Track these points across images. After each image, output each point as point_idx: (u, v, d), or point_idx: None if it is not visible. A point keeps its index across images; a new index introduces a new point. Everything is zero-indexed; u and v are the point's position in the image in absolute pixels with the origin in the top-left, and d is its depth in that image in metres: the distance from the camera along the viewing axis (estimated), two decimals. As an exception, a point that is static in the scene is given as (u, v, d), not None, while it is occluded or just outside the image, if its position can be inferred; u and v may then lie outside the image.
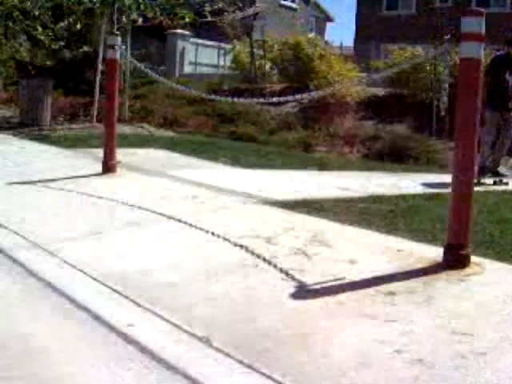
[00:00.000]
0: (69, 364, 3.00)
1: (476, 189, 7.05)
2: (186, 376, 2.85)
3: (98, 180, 7.54)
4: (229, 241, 4.89)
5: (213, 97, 7.31)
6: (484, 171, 9.39)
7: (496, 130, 9.56)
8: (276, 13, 36.04)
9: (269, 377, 2.83)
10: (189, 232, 5.19)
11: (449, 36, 4.79)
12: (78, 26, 15.25)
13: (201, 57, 28.63)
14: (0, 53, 18.20)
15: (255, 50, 22.33)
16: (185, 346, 3.17)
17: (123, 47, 7.95)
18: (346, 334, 3.31)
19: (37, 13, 16.38)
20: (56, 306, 3.72)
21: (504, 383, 2.75)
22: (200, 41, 28.58)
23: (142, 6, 14.73)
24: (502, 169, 9.98)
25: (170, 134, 13.77)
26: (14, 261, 4.50)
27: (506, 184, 9.29)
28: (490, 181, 9.35)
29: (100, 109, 13.74)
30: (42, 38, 17.54)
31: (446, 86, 4.95)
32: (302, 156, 11.78)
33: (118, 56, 7.70)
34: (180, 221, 5.54)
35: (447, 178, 5.09)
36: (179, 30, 25.48)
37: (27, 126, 13.25)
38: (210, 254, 4.64)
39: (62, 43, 18.11)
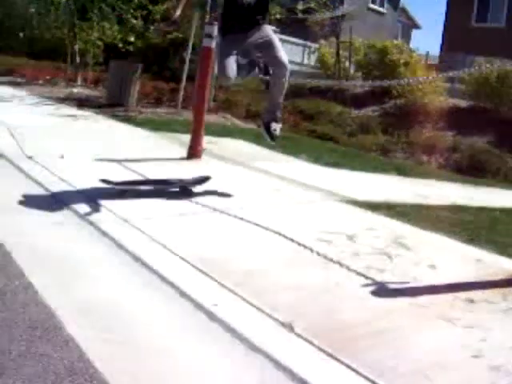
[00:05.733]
0: (161, 336, 3.17)
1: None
2: (270, 357, 2.96)
3: (183, 164, 7.70)
4: (311, 235, 4.98)
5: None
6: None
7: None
8: (364, 16, 35.87)
9: (349, 367, 2.92)
10: (271, 223, 5.27)
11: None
12: (178, 13, 15.29)
13: (286, 54, 28.64)
14: (90, 33, 18.63)
15: (341, 52, 22.32)
16: (268, 329, 3.28)
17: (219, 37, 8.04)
18: (424, 334, 3.37)
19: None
20: (145, 281, 3.89)
21: None
22: (286, 38, 28.65)
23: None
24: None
25: (252, 126, 13.84)
26: (104, 234, 4.70)
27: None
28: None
29: (185, 95, 13.93)
30: (134, 21, 17.92)
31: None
32: (381, 160, 11.76)
33: (213, 45, 7.83)
34: (263, 211, 5.65)
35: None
36: (267, 26, 25.59)
37: (114, 106, 13.49)
38: (293, 245, 4.73)
39: (153, 27, 18.43)
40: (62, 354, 2.84)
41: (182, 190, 6.19)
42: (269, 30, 6.34)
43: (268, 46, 6.17)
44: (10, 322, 3.13)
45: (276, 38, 6.31)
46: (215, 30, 7.81)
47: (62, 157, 7.21)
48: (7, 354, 2.82)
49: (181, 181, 6.26)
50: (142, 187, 6.21)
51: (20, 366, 2.72)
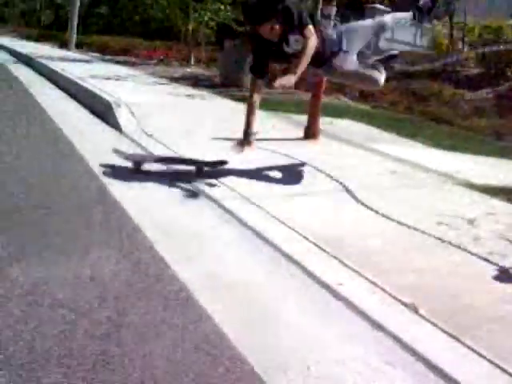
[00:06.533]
0: (287, 312, 3.27)
1: None
2: (395, 337, 3.02)
3: (302, 144, 7.80)
4: (430, 218, 4.98)
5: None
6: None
7: None
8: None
9: (473, 350, 2.92)
10: (388, 205, 5.31)
11: None
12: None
13: (397, 34, 28.32)
14: (203, 15, 18.88)
15: (454, 32, 21.90)
16: (391, 310, 3.32)
17: (337, 18, 8.03)
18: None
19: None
20: (269, 258, 4.00)
21: None
22: (398, 18, 28.26)
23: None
24: None
25: (364, 107, 13.82)
26: (227, 211, 4.83)
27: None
28: None
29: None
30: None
31: None
32: (497, 144, 11.51)
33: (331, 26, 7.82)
34: (380, 193, 5.68)
35: None
36: (378, 5, 25.30)
37: (228, 86, 13.66)
38: (413, 228, 4.74)
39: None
40: (196, 326, 2.97)
41: (197, 170, 5.99)
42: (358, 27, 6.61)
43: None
44: (146, 293, 3.28)
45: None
46: (334, 11, 7.84)
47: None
48: (145, 323, 2.96)
49: (197, 161, 6.16)
50: (156, 164, 6.18)
51: (158, 335, 2.86)
